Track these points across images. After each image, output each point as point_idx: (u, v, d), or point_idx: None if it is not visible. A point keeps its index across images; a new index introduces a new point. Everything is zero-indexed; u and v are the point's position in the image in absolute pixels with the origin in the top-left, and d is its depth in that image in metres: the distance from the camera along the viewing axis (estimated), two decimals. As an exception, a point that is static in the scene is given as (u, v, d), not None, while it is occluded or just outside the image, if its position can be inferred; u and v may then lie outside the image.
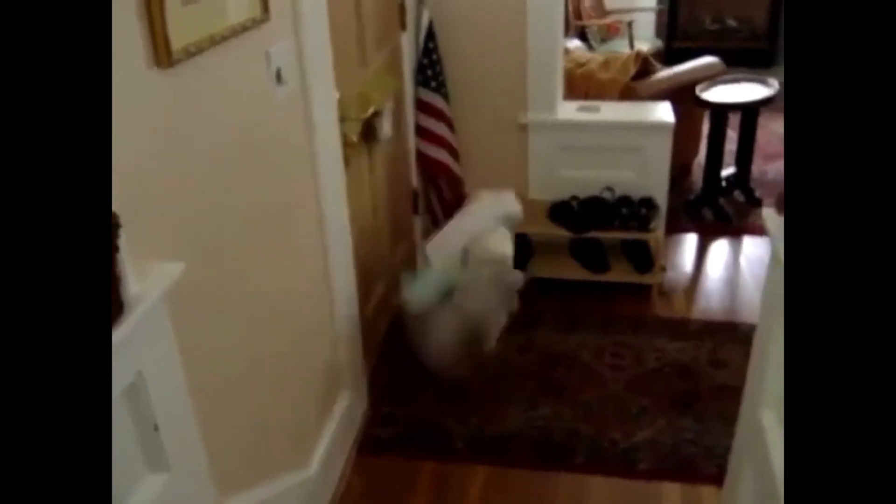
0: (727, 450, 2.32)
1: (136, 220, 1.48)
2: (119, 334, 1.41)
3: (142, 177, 1.60)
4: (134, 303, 1.48)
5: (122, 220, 1.38)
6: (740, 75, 4.77)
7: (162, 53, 1.59)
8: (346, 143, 2.70)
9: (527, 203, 3.94)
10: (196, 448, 1.83)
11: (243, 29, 1.91)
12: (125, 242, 1.41)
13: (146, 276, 1.56)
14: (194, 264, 1.72)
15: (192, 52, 1.68)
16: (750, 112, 4.69)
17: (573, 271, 3.88)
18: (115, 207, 1.37)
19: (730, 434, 2.27)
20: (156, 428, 1.63)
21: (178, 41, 1.62)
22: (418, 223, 3.94)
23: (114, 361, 1.40)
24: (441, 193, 3.88)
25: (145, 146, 1.61)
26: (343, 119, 2.66)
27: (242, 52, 1.95)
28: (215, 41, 1.78)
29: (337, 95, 2.58)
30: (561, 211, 3.80)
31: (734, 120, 4.78)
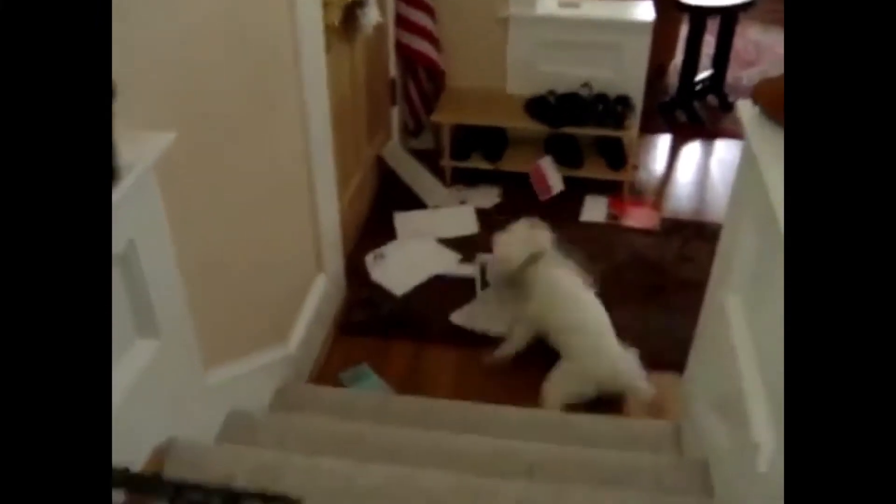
0: (690, 339, 2.41)
1: (129, 88, 1.49)
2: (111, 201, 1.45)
3: (133, 44, 1.61)
4: (126, 170, 1.52)
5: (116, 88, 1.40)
6: (722, -22, 4.75)
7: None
8: (328, 28, 2.70)
9: (505, 97, 3.97)
10: (184, 317, 1.90)
11: None
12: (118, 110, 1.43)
13: (137, 145, 1.59)
14: (182, 136, 1.74)
15: (181, -78, 1.68)
16: (728, 17, 4.69)
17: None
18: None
19: (694, 325, 2.37)
20: (147, 292, 1.69)
21: None
22: (395, 113, 3.95)
23: (107, 227, 1.45)
24: (420, 84, 3.88)
25: (136, 12, 1.62)
26: (325, 3, 2.64)
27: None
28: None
29: (320, -23, 2.56)
30: (538, 105, 3.83)
31: (713, 25, 4.78)
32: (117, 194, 1.47)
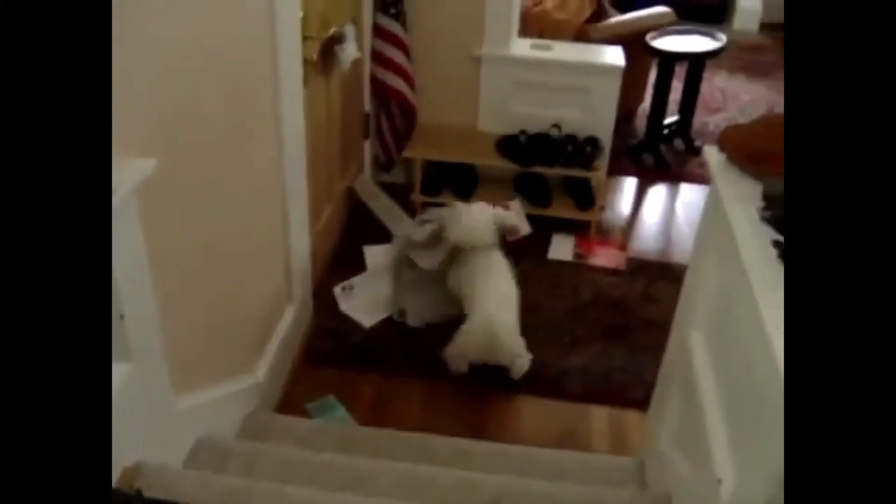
0: (654, 378, 2.46)
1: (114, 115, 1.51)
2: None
3: (116, 71, 1.64)
4: (107, 194, 1.54)
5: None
6: (690, 27, 4.87)
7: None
8: (306, 62, 2.74)
9: (476, 135, 4.03)
10: (156, 341, 1.91)
11: (218, -64, 1.94)
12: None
13: (118, 170, 1.61)
14: (161, 164, 1.77)
15: (169, -46, 1.72)
16: (696, 63, 4.81)
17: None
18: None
19: (657, 364, 2.41)
20: (122, 317, 1.70)
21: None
22: (368, 147, 3.99)
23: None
24: (393, 120, 3.93)
25: (119, 41, 1.64)
26: (304, 38, 2.69)
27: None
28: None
29: (300, 14, 2.61)
30: (508, 144, 3.90)
31: (680, 71, 4.90)
32: (98, 217, 1.49)
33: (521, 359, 2.98)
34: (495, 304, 2.95)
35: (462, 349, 2.92)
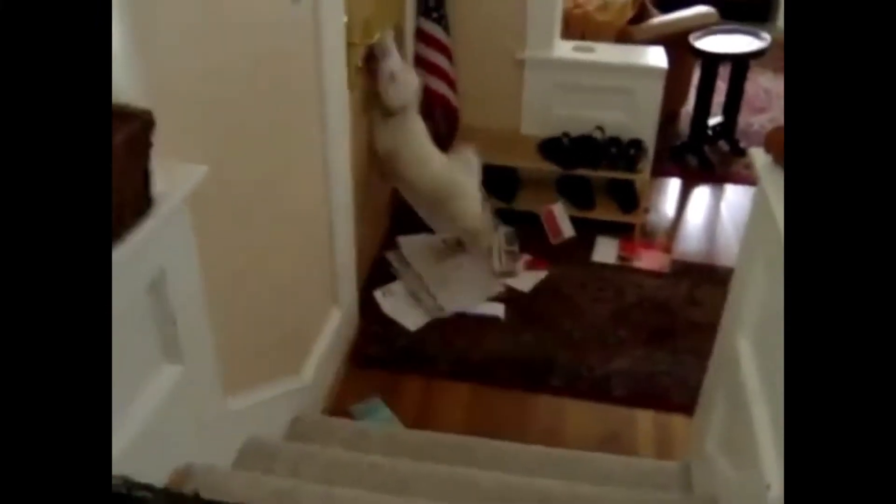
0: (699, 382, 2.44)
1: (164, 121, 1.54)
2: (145, 230, 1.51)
3: (170, 78, 1.68)
4: (160, 200, 1.57)
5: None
6: (733, 26, 4.83)
7: (194, -37, 1.66)
8: (351, 67, 2.77)
9: (519, 138, 4.04)
10: (208, 344, 1.94)
11: (267, -55, 1.97)
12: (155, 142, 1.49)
13: (171, 176, 1.65)
14: (212, 170, 1.80)
15: (220, -36, 1.75)
16: (740, 64, 4.77)
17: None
18: (148, 106, 1.46)
19: (702, 367, 2.40)
20: (174, 322, 1.73)
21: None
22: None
23: (139, 256, 1.51)
24: (436, 123, 3.94)
25: (174, 48, 1.68)
26: (349, 43, 2.72)
27: (264, -33, 2.02)
28: (241, -45, 1.84)
29: (345, 19, 2.63)
30: (552, 147, 3.89)
31: (724, 70, 4.86)
32: (151, 224, 1.52)
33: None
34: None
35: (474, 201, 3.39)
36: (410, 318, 3.31)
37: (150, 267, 1.61)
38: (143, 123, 1.40)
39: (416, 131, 3.33)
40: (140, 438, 1.62)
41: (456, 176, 3.40)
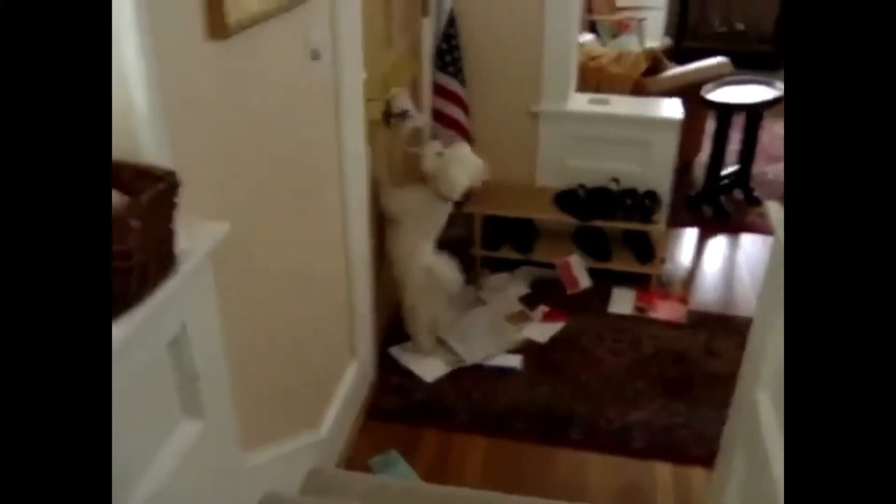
0: (717, 434, 2.43)
1: (188, 179, 1.57)
2: (169, 287, 1.53)
3: (195, 140, 1.71)
4: (183, 258, 1.59)
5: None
6: (746, 77, 4.88)
7: (217, 27, 1.70)
8: (370, 122, 2.81)
9: (535, 190, 4.07)
10: (227, 399, 1.95)
11: (288, 7, 2.02)
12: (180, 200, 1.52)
13: (194, 232, 1.67)
14: (233, 226, 1.82)
15: (243, 27, 1.79)
16: (754, 113, 4.81)
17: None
18: (173, 167, 1.49)
19: (720, 419, 2.39)
20: (196, 378, 1.75)
21: (231, 15, 1.73)
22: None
23: (163, 313, 1.52)
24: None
25: (199, 112, 1.72)
26: (368, 99, 2.76)
27: (286, 29, 2.06)
28: (263, 18, 1.89)
29: (364, 76, 2.68)
30: (567, 198, 3.92)
31: (738, 120, 4.90)
32: (175, 281, 1.54)
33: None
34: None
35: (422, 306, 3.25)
36: (428, 369, 3.31)
37: (172, 323, 1.63)
38: (168, 184, 1.42)
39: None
40: (159, 495, 1.62)
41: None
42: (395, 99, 3.14)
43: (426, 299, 3.25)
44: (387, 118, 3.08)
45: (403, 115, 3.15)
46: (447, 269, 3.20)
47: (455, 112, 3.81)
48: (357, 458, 2.90)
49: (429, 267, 3.19)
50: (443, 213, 3.33)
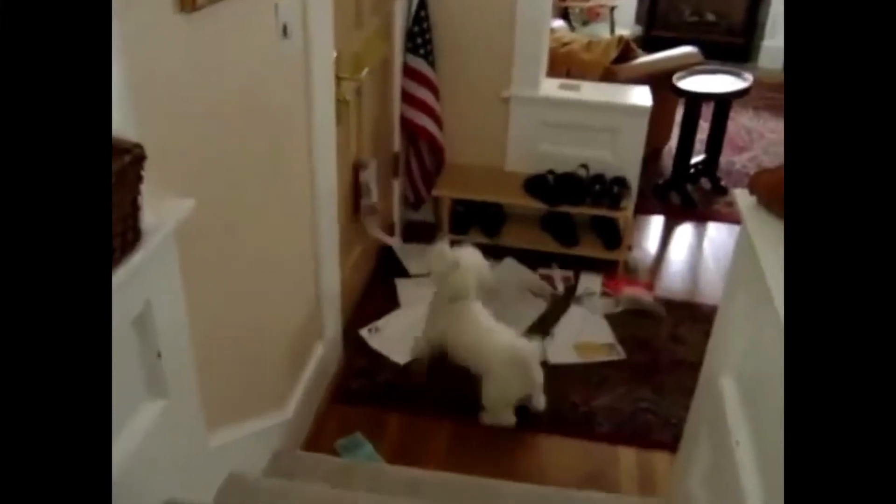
0: (682, 419, 2.44)
1: (155, 154, 1.54)
2: (133, 263, 1.50)
3: (162, 114, 1.68)
4: (148, 234, 1.57)
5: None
6: (716, 66, 4.91)
7: (187, -1, 1.67)
8: (339, 102, 2.78)
9: (504, 174, 4.06)
10: (192, 378, 1.93)
11: (258, -18, 1.99)
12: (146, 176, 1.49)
13: (160, 209, 1.65)
14: (200, 204, 1.80)
15: (213, 0, 1.76)
16: (723, 103, 4.83)
17: (544, 243, 4.00)
18: (139, 140, 1.46)
19: (685, 405, 2.40)
20: (159, 355, 1.73)
21: (201, -12, 1.70)
22: (397, 186, 4.02)
23: (126, 289, 1.50)
24: (422, 159, 3.97)
25: (166, 85, 1.69)
26: (338, 78, 2.74)
27: (256, 4, 2.04)
28: (233, -9, 1.86)
29: (334, 54, 2.65)
30: (536, 184, 3.92)
31: (707, 110, 4.92)
32: (139, 256, 1.52)
33: (541, 387, 3.04)
34: (511, 336, 3.00)
35: (502, 390, 2.93)
36: (397, 351, 3.30)
37: (137, 300, 1.61)
38: (133, 157, 1.40)
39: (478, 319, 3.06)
40: (122, 474, 1.60)
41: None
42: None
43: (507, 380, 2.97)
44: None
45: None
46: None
47: (425, 95, 3.79)
48: (322, 440, 2.88)
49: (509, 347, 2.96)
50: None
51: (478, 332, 2.99)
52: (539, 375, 2.99)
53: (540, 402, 3.03)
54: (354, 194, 3.27)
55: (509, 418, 2.96)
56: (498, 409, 2.96)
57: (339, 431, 2.91)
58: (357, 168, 3.25)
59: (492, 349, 2.92)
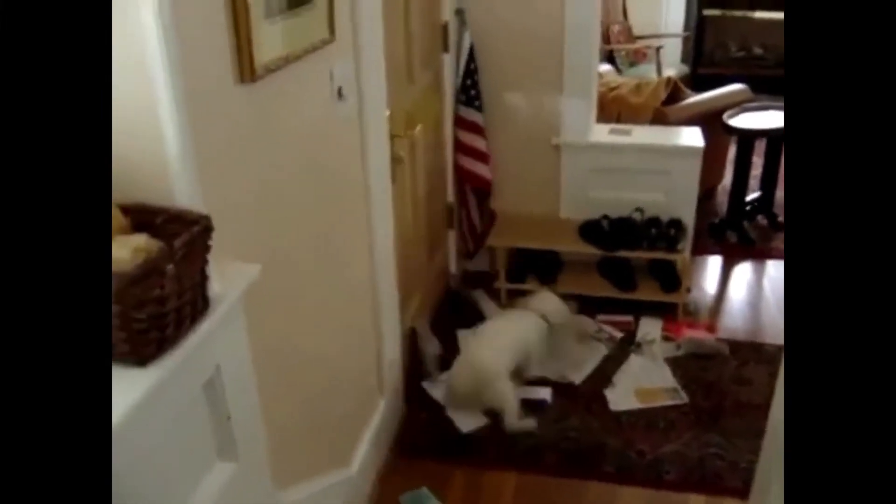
0: (751, 463, 2.41)
1: (219, 222, 1.57)
2: (204, 330, 1.54)
3: (225, 183, 1.73)
4: (216, 300, 1.60)
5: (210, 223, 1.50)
6: (767, 102, 4.89)
7: (246, 70, 1.72)
8: (394, 159, 2.83)
9: (559, 221, 4.07)
10: (260, 440, 1.95)
11: (314, 49, 2.04)
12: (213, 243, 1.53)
13: (225, 276, 1.68)
14: (264, 266, 1.84)
15: (271, 70, 1.82)
16: (775, 138, 4.80)
17: (602, 288, 3.98)
18: (205, 211, 1.50)
19: (754, 449, 2.37)
20: (228, 418, 1.75)
21: (260, 59, 1.75)
22: (452, 237, 4.06)
23: (197, 355, 1.53)
24: (476, 210, 3.99)
25: (228, 155, 1.74)
26: (392, 136, 2.78)
27: (311, 70, 2.09)
28: (290, 59, 1.91)
29: (388, 113, 2.70)
30: (591, 229, 3.92)
31: (760, 146, 4.89)
32: (208, 323, 1.55)
33: (508, 404, 3.12)
34: (486, 342, 3.28)
35: (450, 387, 3.22)
36: (464, 420, 3.24)
37: (207, 365, 1.63)
38: (202, 228, 1.44)
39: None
40: (196, 537, 1.62)
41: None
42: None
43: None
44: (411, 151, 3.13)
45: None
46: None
47: (475, 141, 3.83)
48: (387, 495, 2.88)
49: None
50: None
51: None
52: (493, 389, 3.14)
53: (508, 415, 3.13)
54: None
55: (454, 406, 3.18)
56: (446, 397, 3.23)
57: (404, 485, 2.90)
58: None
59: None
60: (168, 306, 1.36)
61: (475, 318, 3.89)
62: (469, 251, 4.11)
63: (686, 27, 7.69)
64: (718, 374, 3.50)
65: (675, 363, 3.57)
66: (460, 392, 3.17)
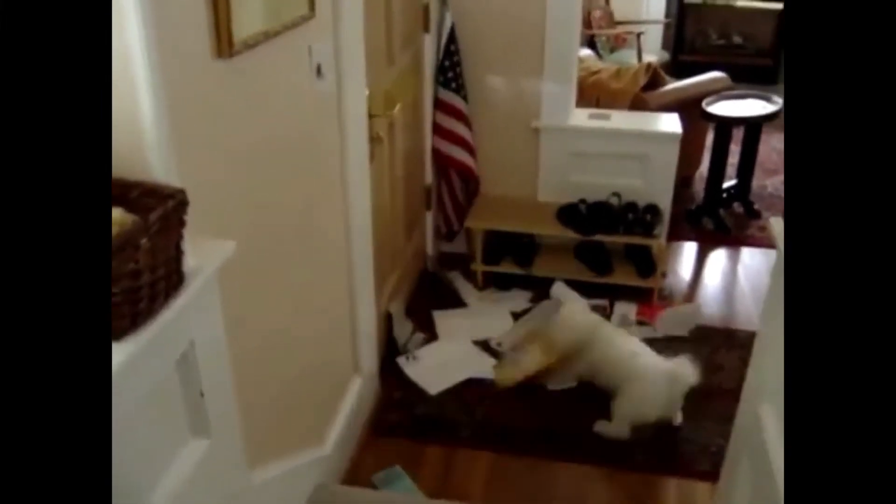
0: (721, 448, 2.43)
1: (195, 197, 1.57)
2: (178, 305, 1.53)
3: (201, 157, 1.72)
4: (191, 276, 1.60)
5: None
6: (745, 91, 4.91)
7: (224, 45, 1.71)
8: (372, 139, 2.82)
9: (536, 205, 4.08)
10: (234, 417, 1.95)
11: (293, 25, 2.03)
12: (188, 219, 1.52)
13: (202, 252, 1.68)
14: (239, 243, 1.83)
15: (249, 45, 1.81)
16: (753, 127, 4.83)
17: (578, 272, 4.00)
18: (181, 185, 1.50)
19: (724, 433, 2.39)
20: (201, 394, 1.75)
21: (238, 33, 1.74)
22: (429, 219, 4.06)
23: (171, 330, 1.53)
24: (453, 191, 4.00)
25: (205, 130, 1.73)
26: (370, 115, 2.77)
27: (290, 46, 2.08)
28: (269, 35, 1.90)
29: (366, 92, 2.69)
30: (569, 213, 3.93)
31: (737, 134, 4.92)
32: (183, 298, 1.55)
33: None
34: (657, 359, 3.18)
35: (641, 410, 3.05)
36: (432, 383, 3.31)
37: (181, 340, 1.63)
38: (177, 202, 1.43)
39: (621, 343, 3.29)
40: (168, 513, 1.62)
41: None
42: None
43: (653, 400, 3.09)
44: (390, 132, 3.12)
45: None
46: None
47: (458, 127, 3.82)
48: (361, 473, 2.89)
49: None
50: None
51: (622, 355, 3.20)
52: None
53: (678, 418, 3.14)
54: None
55: (622, 432, 3.06)
56: (624, 423, 3.06)
57: (377, 465, 2.92)
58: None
59: (640, 370, 3.10)
60: (142, 280, 1.35)
61: (451, 299, 3.91)
62: (453, 230, 4.10)
63: (667, 14, 7.72)
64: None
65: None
66: (659, 404, 3.06)
